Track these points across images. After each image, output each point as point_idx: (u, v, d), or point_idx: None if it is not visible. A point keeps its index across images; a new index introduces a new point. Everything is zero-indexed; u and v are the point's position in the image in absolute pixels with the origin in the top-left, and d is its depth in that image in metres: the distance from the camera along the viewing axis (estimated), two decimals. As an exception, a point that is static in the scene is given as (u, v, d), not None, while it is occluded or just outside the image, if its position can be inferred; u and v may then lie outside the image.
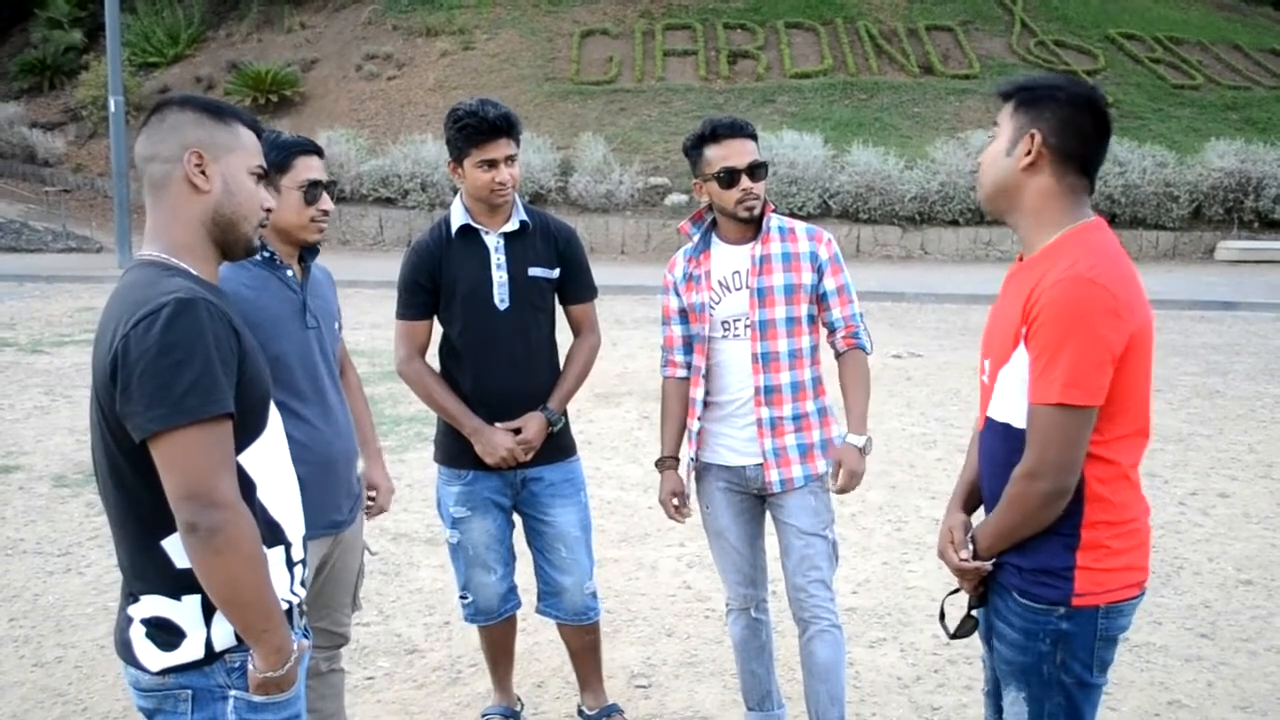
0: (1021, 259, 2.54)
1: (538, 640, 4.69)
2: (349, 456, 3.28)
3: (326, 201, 3.24)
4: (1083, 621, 2.39)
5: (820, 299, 3.63)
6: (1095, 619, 2.40)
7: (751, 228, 3.62)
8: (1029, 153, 2.43)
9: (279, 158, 3.15)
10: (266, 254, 3.16)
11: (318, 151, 3.29)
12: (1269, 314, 15.19)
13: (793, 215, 16.86)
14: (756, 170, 3.54)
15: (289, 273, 3.20)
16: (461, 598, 3.94)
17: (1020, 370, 2.38)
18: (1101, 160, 2.48)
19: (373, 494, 3.54)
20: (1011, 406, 2.43)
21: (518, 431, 3.69)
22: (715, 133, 3.57)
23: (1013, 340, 2.40)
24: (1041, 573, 2.40)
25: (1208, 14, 30.07)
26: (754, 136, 3.61)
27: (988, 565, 2.50)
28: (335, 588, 3.38)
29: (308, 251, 3.29)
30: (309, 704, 3.30)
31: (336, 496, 3.23)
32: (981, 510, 2.63)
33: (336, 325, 3.38)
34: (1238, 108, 25.12)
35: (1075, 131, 2.42)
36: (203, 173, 2.20)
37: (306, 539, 3.12)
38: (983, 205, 2.65)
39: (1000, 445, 2.48)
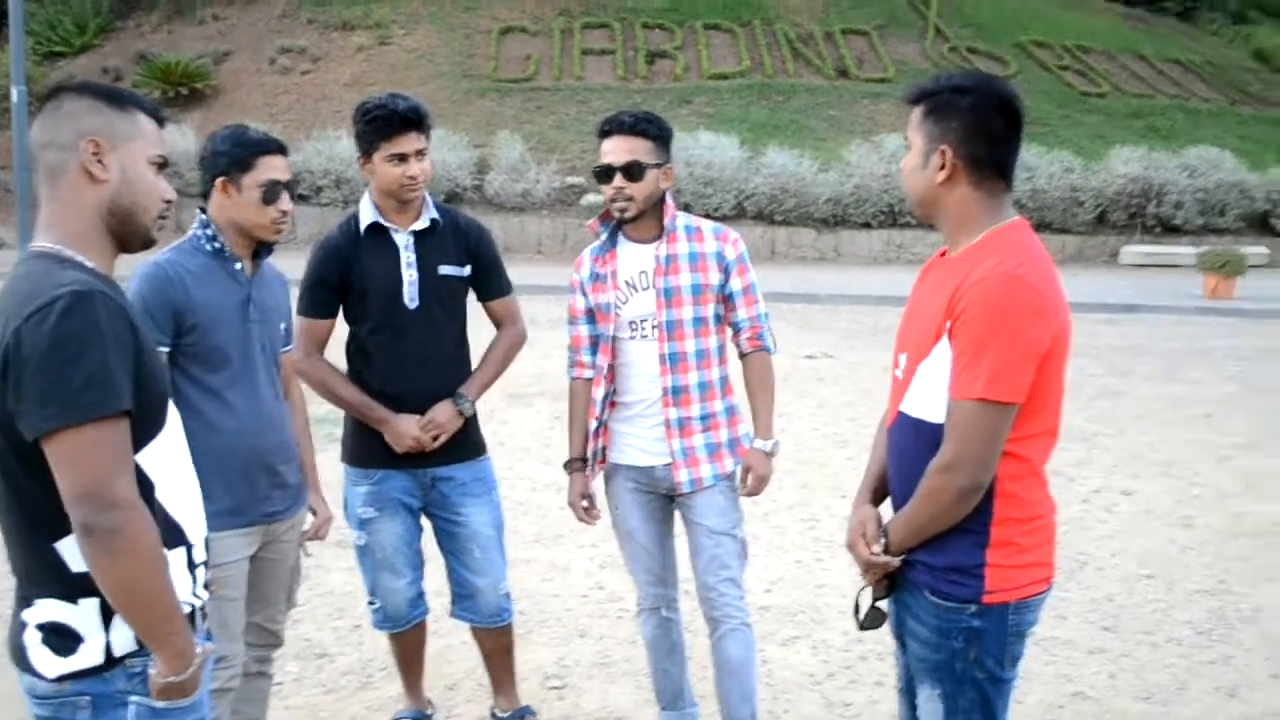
0: (944, 254, 2.56)
1: (449, 643, 4.64)
2: (280, 450, 3.27)
3: (286, 201, 3.21)
4: (994, 618, 2.42)
5: (726, 299, 3.62)
6: (1006, 615, 2.42)
7: (656, 226, 3.60)
8: (943, 167, 2.43)
9: (242, 155, 3.18)
10: (217, 245, 3.17)
11: (282, 150, 3.26)
12: (1170, 316, 15.60)
13: (708, 216, 16.90)
14: (633, 169, 3.48)
15: (237, 266, 3.20)
16: (370, 603, 3.89)
17: (941, 365, 2.38)
18: (1015, 156, 2.48)
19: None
20: (927, 401, 2.43)
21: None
22: (605, 128, 3.57)
23: (934, 335, 2.40)
24: (953, 570, 2.42)
25: (1114, 24, 30.81)
26: (649, 134, 3.52)
27: (895, 561, 2.51)
28: (270, 583, 3.37)
29: (262, 248, 3.28)
30: (233, 705, 3.28)
31: (266, 488, 3.23)
32: (888, 504, 2.65)
33: (283, 326, 3.35)
34: (1141, 115, 25.78)
35: (985, 137, 2.41)
36: (100, 161, 2.12)
37: (242, 525, 3.14)
38: (912, 211, 2.67)
39: (911, 440, 2.49)
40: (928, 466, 2.40)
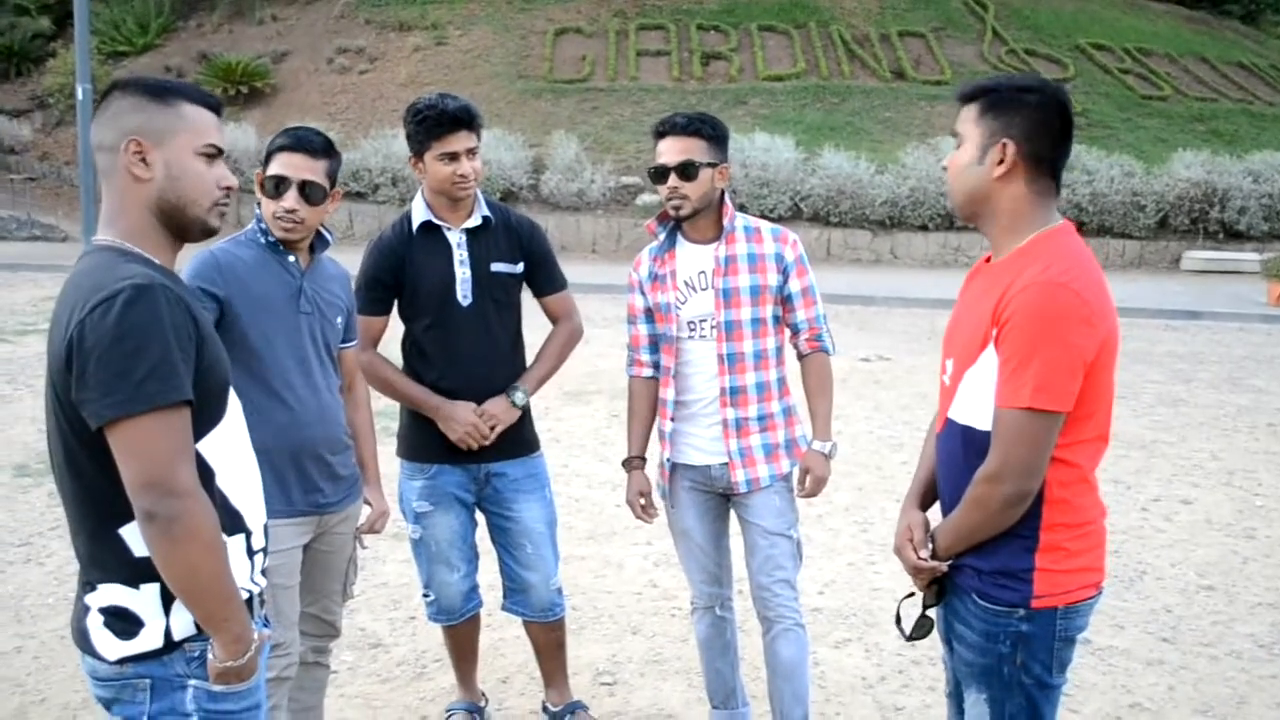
0: (989, 260, 2.54)
1: (503, 636, 4.67)
2: (330, 441, 3.29)
3: (290, 199, 3.18)
4: (1042, 623, 2.40)
5: (785, 300, 3.62)
6: (1054, 620, 2.41)
7: (716, 227, 3.60)
8: (1002, 161, 2.41)
9: (268, 150, 3.25)
10: (271, 238, 3.22)
11: (306, 149, 3.21)
12: (1232, 323, 15.32)
13: (764, 217, 16.85)
14: (687, 169, 3.48)
15: (291, 258, 3.24)
16: (424, 596, 3.92)
17: (988, 373, 2.36)
18: (1067, 159, 2.47)
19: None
20: (974, 409, 2.42)
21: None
22: (660, 129, 3.57)
23: (980, 342, 2.38)
24: (1001, 575, 2.41)
25: (1176, 26, 30.32)
26: (703, 134, 3.52)
27: (943, 566, 2.50)
28: (324, 574, 3.41)
29: (318, 241, 3.32)
30: (291, 693, 3.32)
31: (317, 479, 3.25)
32: (937, 508, 2.63)
33: (340, 320, 3.37)
34: (1204, 119, 25.31)
35: (1048, 135, 2.41)
36: (143, 161, 2.15)
37: (293, 514, 3.17)
38: (954, 211, 2.64)
39: (959, 447, 2.48)
40: (974, 474, 2.38)
